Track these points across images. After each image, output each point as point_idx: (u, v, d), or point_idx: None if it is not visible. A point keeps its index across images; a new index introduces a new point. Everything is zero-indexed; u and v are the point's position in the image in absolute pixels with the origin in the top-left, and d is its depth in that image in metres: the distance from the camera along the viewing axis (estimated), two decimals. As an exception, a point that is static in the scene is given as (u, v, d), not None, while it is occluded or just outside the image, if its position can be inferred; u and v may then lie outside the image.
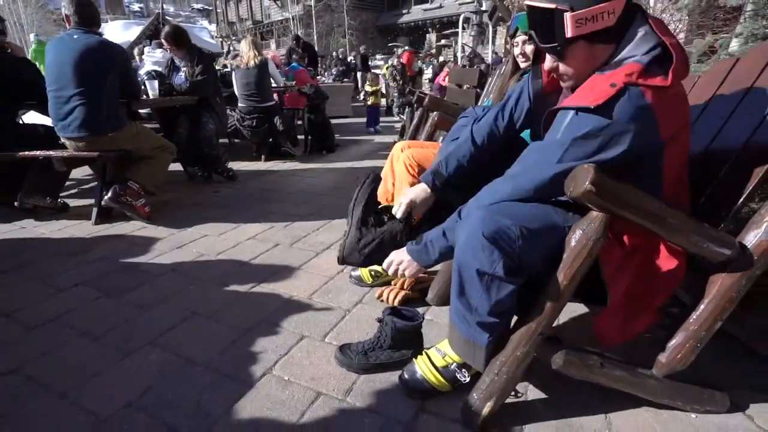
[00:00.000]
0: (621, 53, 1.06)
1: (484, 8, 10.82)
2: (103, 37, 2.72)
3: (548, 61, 1.16)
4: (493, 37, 10.55)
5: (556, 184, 1.04)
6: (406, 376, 1.29)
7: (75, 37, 2.62)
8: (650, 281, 1.11)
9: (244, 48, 4.50)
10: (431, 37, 23.12)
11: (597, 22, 1.02)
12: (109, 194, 2.65)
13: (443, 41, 20.39)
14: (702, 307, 1.11)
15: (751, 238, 1.05)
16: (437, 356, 1.27)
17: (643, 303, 1.13)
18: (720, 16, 4.68)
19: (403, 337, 1.38)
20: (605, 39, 1.06)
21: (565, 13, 1.02)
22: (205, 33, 17.49)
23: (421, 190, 1.46)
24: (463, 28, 10.97)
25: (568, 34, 1.04)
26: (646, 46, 1.03)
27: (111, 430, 1.16)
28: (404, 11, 25.28)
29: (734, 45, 3.95)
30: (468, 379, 1.23)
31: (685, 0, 4.07)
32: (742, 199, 1.11)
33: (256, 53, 4.40)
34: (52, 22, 22.26)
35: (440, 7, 22.98)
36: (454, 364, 1.24)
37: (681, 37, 5.73)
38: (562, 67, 1.14)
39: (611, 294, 1.10)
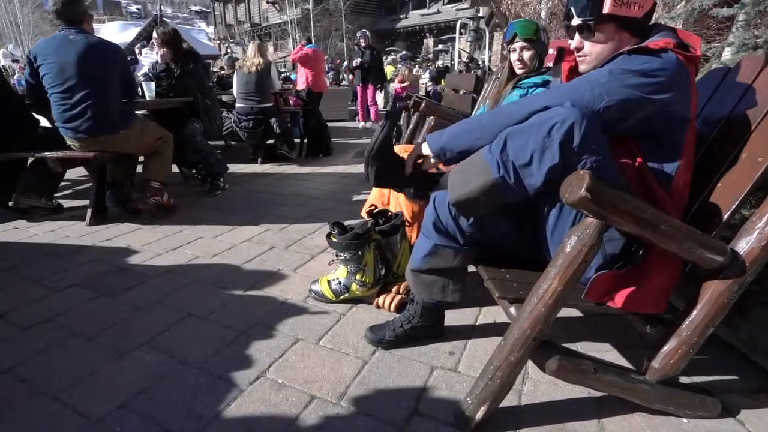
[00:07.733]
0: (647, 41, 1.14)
1: (481, 14, 10.90)
2: (101, 37, 2.73)
3: (575, 41, 1.24)
4: (490, 43, 10.62)
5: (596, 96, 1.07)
6: (312, 287, 1.85)
7: (71, 38, 2.61)
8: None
9: (251, 52, 4.53)
10: (429, 42, 23.24)
11: (630, 8, 1.14)
12: (135, 201, 2.81)
13: (440, 46, 20.50)
14: (694, 313, 1.12)
15: (742, 245, 1.06)
16: (331, 277, 1.81)
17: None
18: (713, 25, 4.74)
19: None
20: (631, 28, 1.17)
21: None
22: (203, 35, 17.51)
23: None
24: (461, 34, 11.02)
25: (605, 10, 1.13)
26: (669, 33, 1.14)
27: (104, 432, 1.15)
28: (402, 16, 25.36)
29: (727, 54, 4.00)
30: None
31: (679, 9, 4.13)
32: (734, 206, 1.12)
33: (261, 61, 4.45)
34: (48, 22, 22.16)
35: (438, 12, 23.08)
36: (338, 279, 1.79)
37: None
38: (587, 47, 1.22)
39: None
